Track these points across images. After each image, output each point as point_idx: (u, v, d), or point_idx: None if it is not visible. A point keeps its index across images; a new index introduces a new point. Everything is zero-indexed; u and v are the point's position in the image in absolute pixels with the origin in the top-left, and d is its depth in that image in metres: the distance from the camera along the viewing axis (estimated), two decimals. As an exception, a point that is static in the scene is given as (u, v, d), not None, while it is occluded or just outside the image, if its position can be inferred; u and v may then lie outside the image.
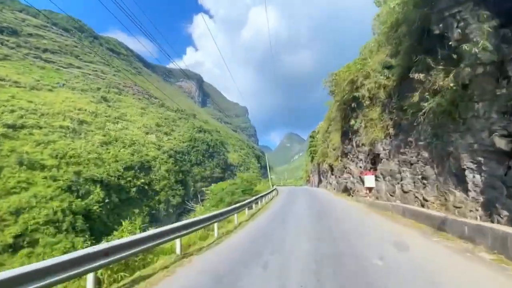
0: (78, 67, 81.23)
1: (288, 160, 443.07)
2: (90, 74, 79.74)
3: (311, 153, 43.99)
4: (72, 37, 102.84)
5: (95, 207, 34.13)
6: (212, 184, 49.50)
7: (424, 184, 9.07)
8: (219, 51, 19.34)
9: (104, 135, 51.66)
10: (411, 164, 9.88)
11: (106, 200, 37.02)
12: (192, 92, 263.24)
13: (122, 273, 5.13)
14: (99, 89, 73.04)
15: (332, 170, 23.55)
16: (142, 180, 49.36)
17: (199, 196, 67.16)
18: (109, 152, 48.17)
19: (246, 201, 14.28)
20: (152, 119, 74.56)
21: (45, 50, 78.18)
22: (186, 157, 68.41)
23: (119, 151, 50.72)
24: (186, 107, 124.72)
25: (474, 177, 6.42)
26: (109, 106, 66.43)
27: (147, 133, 65.27)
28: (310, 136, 46.15)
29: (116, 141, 53.26)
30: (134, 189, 45.94)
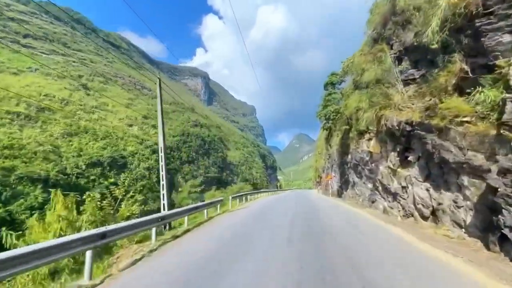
0: (63, 55, 73.65)
1: (297, 161, 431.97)
2: (74, 62, 72.00)
3: (327, 120, 21.17)
4: (63, 26, 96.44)
5: (23, 216, 24.90)
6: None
7: None
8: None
9: (70, 125, 42.87)
10: None
11: (47, 206, 27.70)
12: (198, 90, 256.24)
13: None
14: (80, 76, 64.99)
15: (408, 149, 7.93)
16: (112, 180, 40.05)
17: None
18: (71, 145, 39.27)
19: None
20: (140, 110, 65.70)
21: (26, 36, 71.10)
22: (175, 153, 59.05)
23: (86, 144, 41.79)
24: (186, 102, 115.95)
25: None
26: (88, 95, 58.03)
27: (130, 125, 56.38)
28: (326, 86, 22.49)
29: (86, 133, 44.42)
30: (98, 190, 36.56)
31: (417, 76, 8.00)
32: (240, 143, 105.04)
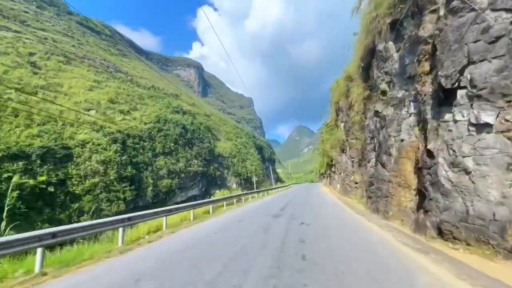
0: (17, 31, 62.23)
1: (297, 153, 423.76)
2: (28, 39, 60.58)
3: None
4: (25, 4, 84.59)
5: None
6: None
7: None
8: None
9: (-11, 106, 31.99)
10: None
11: None
12: (191, 81, 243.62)
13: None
14: (32, 54, 53.71)
15: None
16: (44, 178, 29.46)
17: (165, 199, 47.38)
18: (-19, 131, 28.51)
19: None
20: (106, 93, 54.69)
21: (-30, 9, 59.65)
22: (146, 143, 48.27)
23: (9, 130, 31.01)
24: (173, 91, 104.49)
25: None
26: (36, 73, 46.94)
27: (89, 110, 45.45)
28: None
29: (16, 117, 33.58)
30: (16, 194, 26.00)
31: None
32: (232, 133, 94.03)
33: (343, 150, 19.22)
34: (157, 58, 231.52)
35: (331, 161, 27.41)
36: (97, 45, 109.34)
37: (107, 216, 33.39)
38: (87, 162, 35.69)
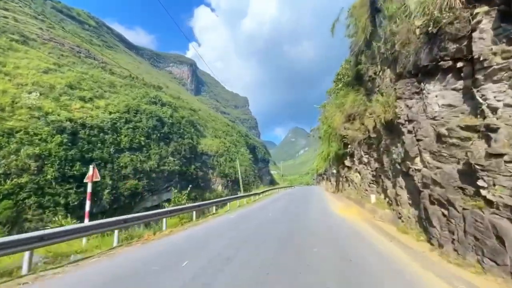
0: (-34, 6, 53.33)
1: (293, 155, 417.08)
2: (-22, 14, 51.74)
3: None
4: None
5: None
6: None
7: None
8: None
9: None
10: None
11: None
12: (184, 78, 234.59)
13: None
14: (-24, 29, 44.88)
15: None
16: None
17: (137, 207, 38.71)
18: None
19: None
20: (66, 77, 45.97)
21: None
22: (108, 136, 39.67)
23: None
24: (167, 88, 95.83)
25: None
26: (-30, 48, 38.16)
27: (29, 93, 36.75)
28: None
29: None
30: None
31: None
32: (221, 131, 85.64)
33: (433, 71, 5.96)
34: (149, 54, 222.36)
35: (345, 146, 16.61)
36: (77, 33, 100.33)
37: (36, 228, 24.77)
38: (12, 156, 27.03)
